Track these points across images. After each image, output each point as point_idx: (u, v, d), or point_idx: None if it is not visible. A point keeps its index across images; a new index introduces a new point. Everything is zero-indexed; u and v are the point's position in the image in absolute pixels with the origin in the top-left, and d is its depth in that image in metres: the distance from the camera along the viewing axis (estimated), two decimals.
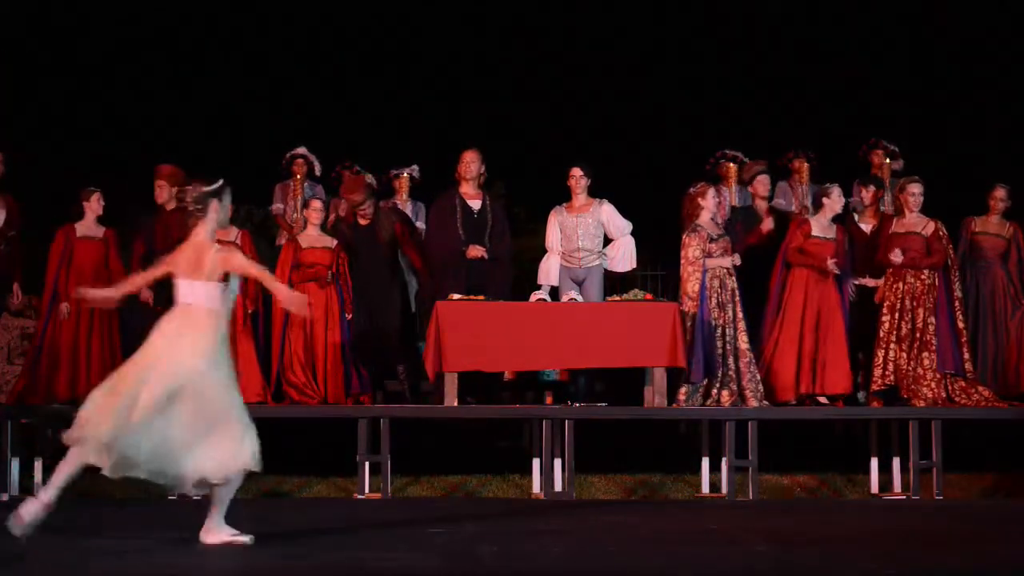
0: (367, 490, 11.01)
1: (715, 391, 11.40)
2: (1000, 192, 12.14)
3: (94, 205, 11.89)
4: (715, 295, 11.51)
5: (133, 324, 12.01)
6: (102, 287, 11.56)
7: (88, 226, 11.90)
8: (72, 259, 11.78)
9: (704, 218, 11.58)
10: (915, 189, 11.73)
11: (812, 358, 11.58)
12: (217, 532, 7.61)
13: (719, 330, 11.46)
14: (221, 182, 7.68)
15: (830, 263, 11.57)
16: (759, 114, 16.75)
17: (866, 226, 12.27)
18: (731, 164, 12.87)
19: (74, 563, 6.95)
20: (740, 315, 11.54)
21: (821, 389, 11.52)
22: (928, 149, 13.77)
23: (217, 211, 7.62)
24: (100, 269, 11.80)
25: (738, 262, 11.65)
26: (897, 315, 11.57)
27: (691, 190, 11.69)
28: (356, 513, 9.74)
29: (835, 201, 11.77)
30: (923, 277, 11.54)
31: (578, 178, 12.02)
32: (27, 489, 11.33)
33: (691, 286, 11.48)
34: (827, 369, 11.54)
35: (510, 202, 13.57)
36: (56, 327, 11.71)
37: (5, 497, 11.03)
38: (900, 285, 11.60)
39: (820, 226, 11.73)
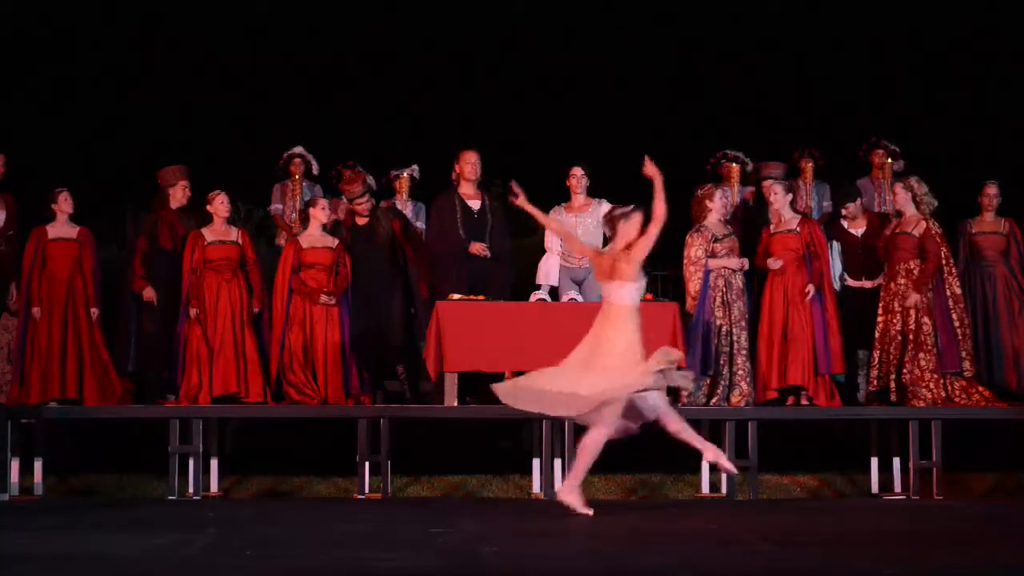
0: (367, 490, 11.02)
1: (720, 390, 11.41)
2: (991, 189, 12.13)
3: (62, 205, 11.81)
4: (720, 294, 11.54)
5: (125, 323, 12.05)
6: (79, 288, 11.63)
7: (60, 227, 11.82)
8: (45, 261, 11.72)
9: (711, 219, 11.60)
10: (896, 188, 11.76)
11: (779, 351, 11.57)
12: (571, 492, 9.07)
13: (722, 329, 11.47)
14: (632, 207, 9.16)
15: (770, 261, 11.61)
16: (760, 114, 16.72)
17: (856, 230, 12.24)
18: (733, 164, 12.85)
19: (74, 564, 6.93)
20: (745, 314, 11.56)
21: (783, 381, 11.49)
22: (924, 149, 13.72)
23: (622, 230, 9.04)
24: (74, 269, 11.75)
25: (745, 266, 11.67)
26: (889, 316, 11.57)
27: (698, 192, 11.72)
28: (356, 513, 9.70)
29: (779, 199, 11.76)
30: (915, 278, 11.51)
31: (579, 178, 12.02)
32: (27, 490, 11.34)
33: (692, 286, 11.52)
34: (788, 359, 11.51)
35: (508, 202, 13.49)
36: (33, 330, 11.69)
37: (5, 497, 11.03)
38: (892, 286, 11.59)
39: (780, 223, 11.74)
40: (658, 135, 16.57)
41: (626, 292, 9.00)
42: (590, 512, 8.96)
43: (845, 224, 12.26)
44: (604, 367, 8.91)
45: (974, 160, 15.07)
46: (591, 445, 8.99)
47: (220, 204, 11.84)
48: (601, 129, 16.96)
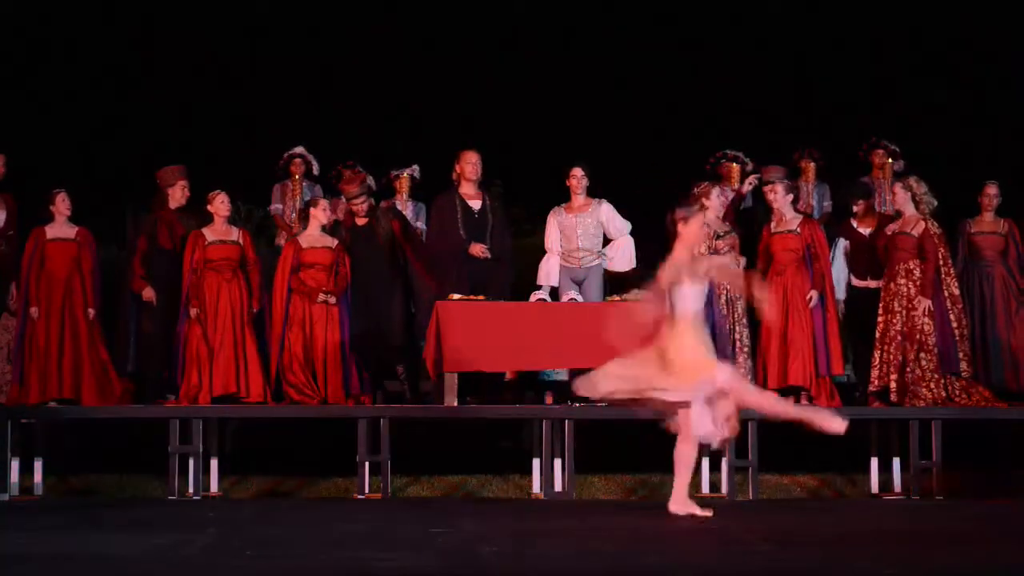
0: (367, 490, 10.99)
1: None
2: (991, 189, 12.09)
3: (59, 206, 11.82)
4: (725, 291, 11.53)
5: (125, 323, 12.03)
6: (77, 288, 11.65)
7: (58, 227, 11.83)
8: (44, 261, 11.73)
9: (709, 216, 11.57)
10: (896, 188, 11.74)
11: (778, 352, 11.55)
12: (681, 503, 8.84)
13: (725, 327, 11.46)
14: (696, 207, 9.12)
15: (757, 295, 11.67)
16: (760, 114, 16.69)
17: (865, 229, 12.23)
18: (733, 164, 12.83)
19: (74, 564, 6.92)
20: (746, 312, 11.56)
21: (783, 381, 11.47)
22: (924, 149, 13.70)
23: (683, 232, 8.76)
24: (72, 270, 11.75)
25: (742, 264, 11.67)
26: (889, 316, 11.55)
27: (695, 190, 11.68)
28: (356, 513, 9.68)
29: (780, 199, 11.74)
30: (915, 278, 11.49)
31: (579, 178, 12.00)
32: (27, 490, 11.33)
33: None
34: (788, 359, 11.50)
35: (508, 202, 13.47)
36: (32, 330, 11.69)
37: (5, 497, 11.01)
38: (892, 286, 11.56)
39: (781, 223, 11.72)
40: (658, 135, 16.57)
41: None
42: (709, 513, 8.85)
43: (854, 223, 12.25)
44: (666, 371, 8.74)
45: (974, 160, 15.04)
46: (681, 456, 8.88)
47: (220, 204, 11.83)
48: (601, 129, 16.93)
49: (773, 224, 11.75)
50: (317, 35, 17.57)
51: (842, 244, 12.30)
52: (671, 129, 16.66)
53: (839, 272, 12.20)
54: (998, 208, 12.11)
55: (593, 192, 12.07)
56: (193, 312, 11.58)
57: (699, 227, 8.89)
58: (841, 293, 12.16)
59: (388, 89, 17.67)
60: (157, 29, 17.10)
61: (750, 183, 12.39)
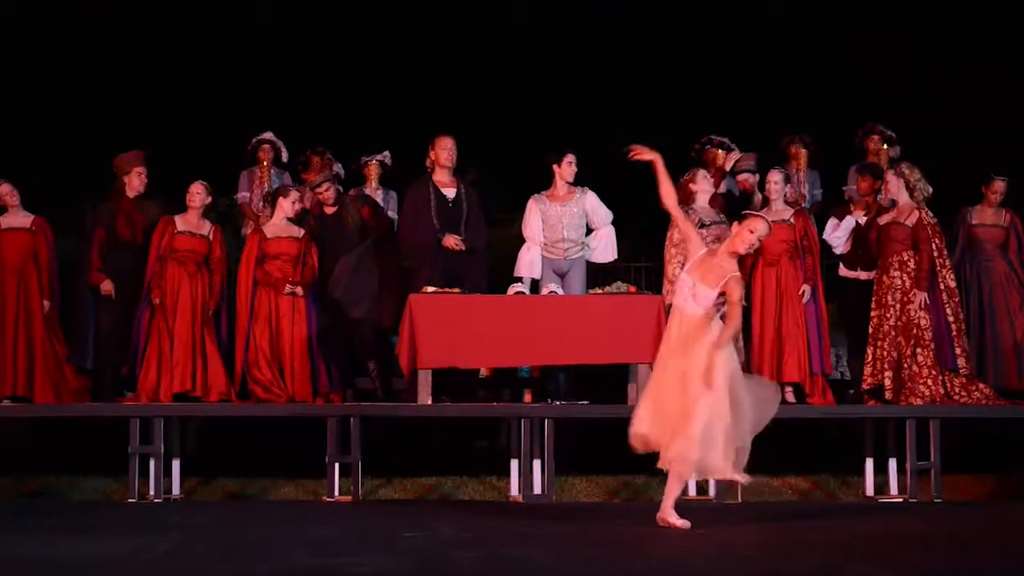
0: (337, 492, 10.79)
1: None
2: (999, 185, 12.01)
3: (7, 198, 11.70)
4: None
5: (82, 317, 11.73)
6: (32, 279, 11.36)
7: (13, 217, 11.69)
8: None
9: (699, 202, 11.35)
10: (888, 175, 11.52)
11: (772, 346, 11.31)
12: (666, 513, 8.58)
13: None
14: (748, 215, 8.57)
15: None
16: (748, 101, 16.62)
17: (862, 218, 11.95)
18: (718, 151, 12.60)
19: (32, 570, 6.74)
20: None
21: (779, 377, 11.17)
22: (919, 138, 13.52)
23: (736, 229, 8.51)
24: (26, 260, 11.58)
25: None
26: (882, 310, 11.25)
27: (683, 179, 11.41)
28: (325, 516, 9.55)
29: (776, 188, 11.43)
30: (909, 270, 11.18)
31: (574, 164, 11.63)
32: None
33: (671, 269, 11.31)
34: (783, 356, 11.28)
35: (484, 190, 13.19)
36: None
37: None
38: (885, 279, 11.27)
39: (773, 212, 11.41)
40: (649, 127, 16.47)
41: None
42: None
43: (852, 207, 11.99)
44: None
45: (973, 147, 14.96)
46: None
47: (195, 194, 11.54)
48: (583, 117, 16.89)
49: (765, 212, 11.42)
50: (291, 19, 17.52)
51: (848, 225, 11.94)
52: (654, 115, 16.60)
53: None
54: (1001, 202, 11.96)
55: (574, 180, 11.75)
56: (156, 300, 11.19)
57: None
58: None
59: (363, 74, 17.62)
60: (119, 10, 16.96)
61: (734, 159, 12.12)
